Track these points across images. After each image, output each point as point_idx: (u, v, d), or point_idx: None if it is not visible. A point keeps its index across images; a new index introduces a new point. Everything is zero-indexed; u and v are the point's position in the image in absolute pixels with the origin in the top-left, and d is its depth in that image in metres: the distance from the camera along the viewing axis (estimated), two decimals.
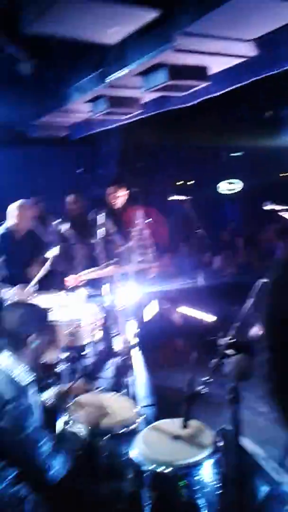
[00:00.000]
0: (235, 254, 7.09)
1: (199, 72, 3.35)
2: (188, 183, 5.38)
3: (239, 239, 7.24)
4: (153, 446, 2.04)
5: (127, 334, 3.80)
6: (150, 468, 1.94)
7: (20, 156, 7.77)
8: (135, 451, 2.04)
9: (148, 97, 4.24)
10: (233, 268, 6.74)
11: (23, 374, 2.12)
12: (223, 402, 3.92)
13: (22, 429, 1.94)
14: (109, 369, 4.63)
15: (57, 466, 1.98)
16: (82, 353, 4.48)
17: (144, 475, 1.95)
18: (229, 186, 8.16)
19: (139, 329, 3.21)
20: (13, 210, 4.47)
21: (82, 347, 4.49)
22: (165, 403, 3.64)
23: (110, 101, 4.19)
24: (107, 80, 3.66)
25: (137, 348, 3.47)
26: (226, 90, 3.57)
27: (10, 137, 6.89)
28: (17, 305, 2.22)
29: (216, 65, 3.41)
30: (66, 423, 2.34)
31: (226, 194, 8.25)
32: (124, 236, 4.71)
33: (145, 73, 3.54)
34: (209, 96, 3.73)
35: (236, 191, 8.29)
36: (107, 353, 4.79)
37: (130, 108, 4.29)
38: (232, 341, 1.95)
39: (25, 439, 1.94)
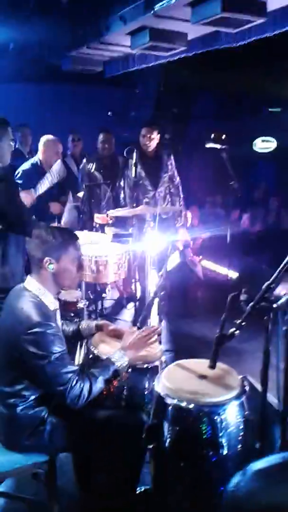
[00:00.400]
0: (266, 214, 6.93)
1: (256, 6, 3.10)
2: (222, 136, 5.16)
3: (274, 199, 7.05)
4: (178, 382, 2.02)
5: (150, 281, 3.77)
6: (174, 402, 1.92)
7: (50, 92, 7.57)
8: (159, 385, 2.03)
9: (195, 32, 3.98)
10: (261, 227, 6.62)
11: (49, 299, 2.10)
12: (244, 353, 3.94)
13: (49, 353, 1.92)
14: (127, 313, 4.66)
15: (79, 393, 1.97)
16: (103, 294, 4.53)
17: (167, 408, 1.94)
18: (264, 145, 7.87)
19: (161, 277, 3.15)
20: (40, 145, 4.42)
21: (103, 288, 4.51)
22: (184, 350, 3.66)
23: (154, 34, 3.95)
24: (156, 8, 3.43)
25: (158, 295, 3.43)
26: (284, 30, 3.31)
27: (41, 71, 6.68)
28: (39, 228, 2.13)
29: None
30: (89, 353, 2.34)
31: (261, 152, 7.97)
32: (154, 181, 4.59)
33: (196, 3, 3.31)
34: (262, 36, 3.47)
35: (270, 149, 8.00)
36: (128, 297, 4.82)
37: (174, 44, 4.05)
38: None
39: (49, 364, 1.93)
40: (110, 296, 5.22)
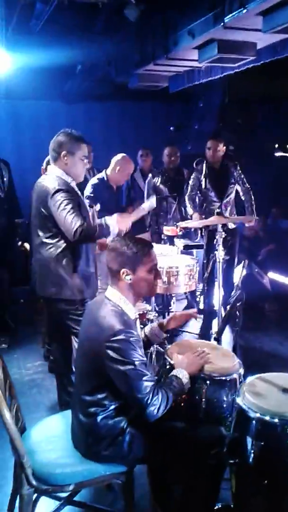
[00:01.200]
0: None
1: None
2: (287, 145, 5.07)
3: None
4: (260, 395, 1.96)
5: (218, 292, 3.72)
6: (257, 416, 1.86)
7: (115, 110, 7.76)
8: (241, 398, 1.97)
9: (264, 41, 3.94)
10: None
11: (130, 308, 2.11)
12: None
13: (132, 359, 1.93)
14: (194, 325, 4.62)
15: (158, 404, 1.95)
16: (169, 307, 4.53)
17: (250, 422, 1.88)
18: None
19: (237, 288, 3.09)
20: (113, 161, 4.46)
21: (170, 300, 4.51)
22: (255, 365, 3.56)
23: (222, 45, 3.94)
24: (226, 20, 3.42)
25: (236, 307, 3.37)
26: None
27: (108, 90, 6.87)
28: (115, 241, 2.16)
29: None
30: (165, 363, 2.33)
31: None
32: (220, 192, 4.56)
33: (268, 11, 3.27)
34: None
35: None
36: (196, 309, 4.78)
37: (243, 55, 4.02)
38: None
39: (131, 371, 1.93)
40: (175, 309, 5.21)
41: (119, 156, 4.43)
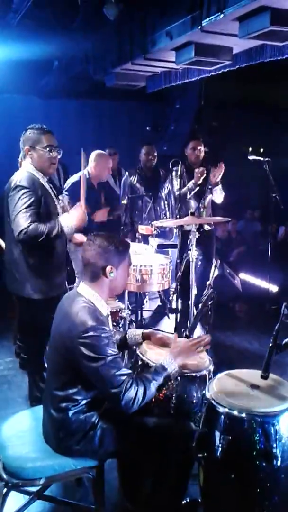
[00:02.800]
0: None
1: None
2: (261, 149, 5.18)
3: None
4: (229, 390, 2.01)
5: (191, 292, 3.78)
6: (226, 410, 1.91)
7: (92, 108, 7.75)
8: (210, 394, 2.02)
9: (240, 46, 4.02)
10: None
11: (102, 304, 2.14)
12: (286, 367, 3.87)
13: (104, 355, 1.95)
14: (168, 323, 4.67)
15: (133, 396, 1.97)
16: (142, 305, 4.57)
17: (219, 417, 1.93)
18: None
19: (209, 287, 3.15)
20: (90, 159, 4.47)
21: (142, 299, 4.55)
22: (224, 363, 3.64)
23: (199, 49, 4.01)
24: (203, 23, 3.48)
25: (207, 305, 3.43)
26: None
27: (84, 87, 6.85)
28: (98, 236, 2.18)
29: None
30: (137, 360, 2.36)
31: None
32: (199, 192, 4.62)
33: (244, 17, 3.35)
34: None
35: None
36: (168, 308, 4.84)
37: (219, 58, 4.09)
38: None
39: (103, 367, 1.95)
40: (148, 307, 5.26)
41: (94, 152, 4.46)
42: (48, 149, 2.93)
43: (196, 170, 4.45)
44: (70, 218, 2.92)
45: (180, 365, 2.15)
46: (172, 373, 2.11)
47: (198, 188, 4.49)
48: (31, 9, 4.48)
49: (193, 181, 4.47)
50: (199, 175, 4.39)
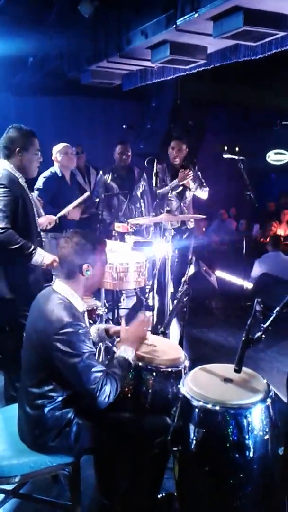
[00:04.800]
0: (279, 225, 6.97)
1: (277, 19, 3.18)
2: (236, 148, 5.26)
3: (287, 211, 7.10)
4: (204, 384, 2.04)
5: (167, 290, 3.82)
6: (200, 404, 1.94)
7: (67, 105, 7.70)
8: (185, 388, 2.05)
9: (215, 46, 4.07)
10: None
11: (78, 301, 2.14)
12: (260, 362, 3.95)
13: (80, 352, 1.96)
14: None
15: (108, 392, 1.99)
16: (119, 303, 4.58)
17: (193, 410, 1.96)
18: (277, 157, 7.95)
19: (185, 283, 3.18)
20: (56, 153, 4.54)
21: (119, 297, 4.56)
22: (200, 359, 3.68)
23: (174, 47, 4.04)
24: (178, 22, 3.51)
25: (182, 301, 3.47)
26: None
27: (59, 84, 6.80)
28: (75, 234, 2.18)
29: None
30: (113, 356, 2.37)
31: (274, 164, 8.04)
32: (181, 191, 4.66)
33: (218, 17, 3.39)
34: (283, 49, 3.54)
35: (283, 162, 8.06)
36: (144, 306, 4.85)
37: (194, 57, 4.13)
38: None
39: (80, 363, 1.96)
40: (125, 305, 5.26)
41: (56, 147, 4.58)
42: (38, 153, 3.01)
43: (181, 170, 4.50)
44: (44, 255, 2.92)
45: (136, 347, 2.19)
46: (132, 359, 2.14)
47: (181, 188, 4.54)
48: (5, 5, 4.44)
49: (176, 180, 4.52)
50: (185, 176, 4.44)
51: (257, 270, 5.57)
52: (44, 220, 3.47)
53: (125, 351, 2.15)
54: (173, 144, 4.71)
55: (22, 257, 2.85)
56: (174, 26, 3.63)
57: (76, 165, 5.80)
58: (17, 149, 2.91)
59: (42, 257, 2.89)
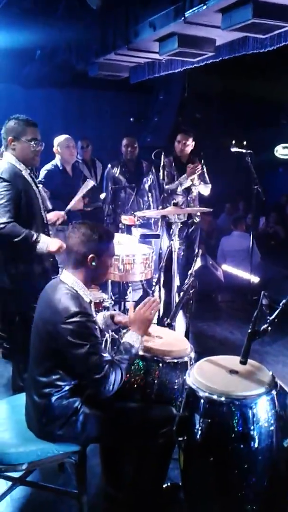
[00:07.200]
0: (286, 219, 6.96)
1: (286, 12, 3.16)
2: (244, 142, 5.23)
3: None
4: (209, 376, 2.06)
5: (174, 283, 3.82)
6: (205, 395, 1.96)
7: (75, 97, 7.70)
8: (191, 379, 2.07)
9: (223, 38, 4.05)
10: (282, 232, 6.64)
11: (85, 292, 2.16)
12: (266, 355, 3.96)
13: (87, 341, 1.97)
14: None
15: (113, 381, 2.01)
16: (125, 296, 4.60)
17: (199, 401, 1.97)
18: (286, 151, 7.91)
19: (191, 276, 3.19)
20: (57, 145, 4.52)
21: (126, 289, 4.58)
22: (206, 352, 3.70)
23: (182, 40, 4.03)
24: (186, 15, 3.50)
25: (188, 294, 3.47)
26: None
27: (67, 77, 6.80)
28: (82, 224, 2.20)
29: None
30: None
31: (282, 158, 8.01)
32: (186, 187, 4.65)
33: (227, 9, 3.38)
34: None
35: None
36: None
37: (202, 50, 4.12)
38: None
39: (86, 353, 1.97)
40: (131, 298, 5.28)
41: (57, 139, 4.55)
42: (32, 142, 2.93)
43: (189, 165, 4.47)
44: (49, 242, 2.92)
45: (142, 333, 2.19)
46: (140, 345, 2.16)
47: (190, 183, 4.51)
48: None
49: (185, 175, 4.49)
50: (194, 170, 4.41)
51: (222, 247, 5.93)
52: (53, 216, 3.48)
53: (130, 336, 2.16)
54: (179, 137, 4.68)
55: (29, 246, 2.85)
56: (183, 18, 3.62)
57: (82, 158, 5.82)
58: (10, 138, 2.91)
59: (46, 244, 2.89)
